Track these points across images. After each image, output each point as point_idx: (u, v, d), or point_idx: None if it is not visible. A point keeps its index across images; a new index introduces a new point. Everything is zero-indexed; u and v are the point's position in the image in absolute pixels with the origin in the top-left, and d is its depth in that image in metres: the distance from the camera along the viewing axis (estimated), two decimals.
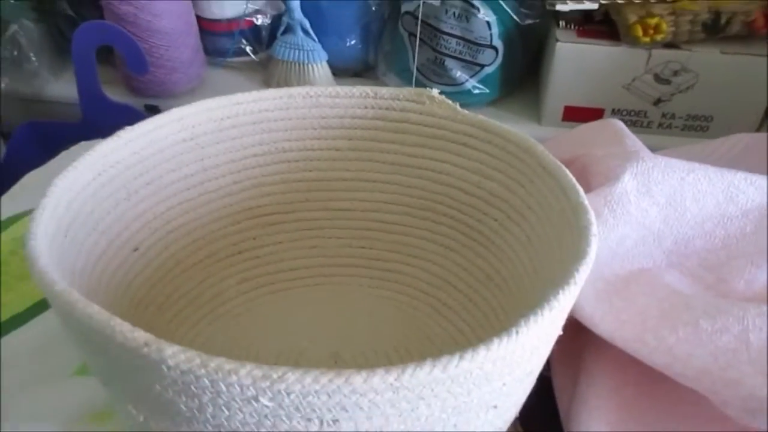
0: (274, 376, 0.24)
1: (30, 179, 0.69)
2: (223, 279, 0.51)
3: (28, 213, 0.62)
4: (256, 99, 0.49)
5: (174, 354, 0.25)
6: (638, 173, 0.40)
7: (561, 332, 0.34)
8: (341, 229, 0.54)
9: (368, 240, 0.54)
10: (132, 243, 0.44)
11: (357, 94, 0.50)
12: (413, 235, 0.53)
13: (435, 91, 0.48)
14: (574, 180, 0.38)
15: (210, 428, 0.28)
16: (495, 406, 0.30)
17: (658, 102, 0.89)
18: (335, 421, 0.26)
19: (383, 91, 0.50)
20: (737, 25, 0.83)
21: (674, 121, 0.91)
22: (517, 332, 0.27)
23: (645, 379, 0.42)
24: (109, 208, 0.42)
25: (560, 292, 0.29)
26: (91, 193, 0.40)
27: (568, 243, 0.35)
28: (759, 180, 0.40)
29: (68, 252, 0.36)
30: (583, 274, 0.31)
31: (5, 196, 0.66)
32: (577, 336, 0.47)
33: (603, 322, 0.38)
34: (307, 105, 0.50)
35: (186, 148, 0.47)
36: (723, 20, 0.83)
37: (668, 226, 0.41)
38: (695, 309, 0.37)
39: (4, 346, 0.49)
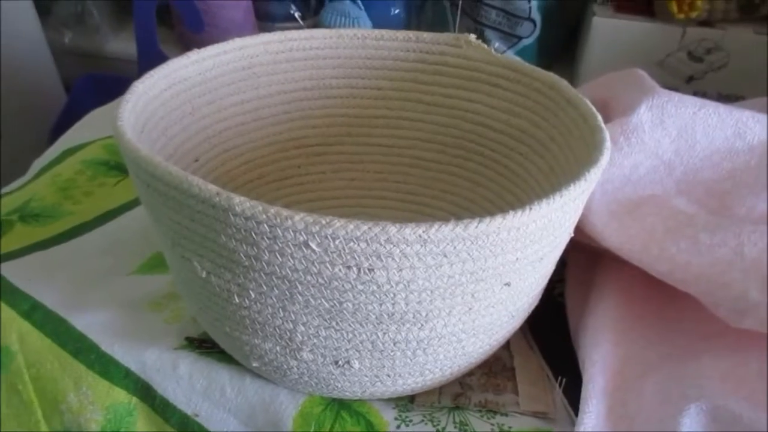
0: (323, 222, 0.29)
1: (94, 116, 0.75)
2: (270, 201, 0.55)
3: (92, 142, 0.68)
4: (308, 37, 0.54)
5: (240, 202, 0.30)
6: (653, 106, 0.44)
7: (572, 234, 0.39)
8: (379, 163, 0.59)
9: (404, 175, 0.59)
10: (193, 154, 0.49)
11: (400, 38, 0.55)
12: (446, 172, 0.57)
13: (471, 36, 0.53)
14: (593, 108, 0.42)
15: (264, 276, 0.32)
16: (508, 284, 0.35)
17: (690, 80, 0.92)
18: (371, 269, 0.31)
19: (424, 35, 0.54)
20: None
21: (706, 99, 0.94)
22: (530, 209, 0.32)
23: (650, 298, 0.46)
24: (176, 118, 0.47)
25: (572, 184, 0.34)
26: (162, 102, 0.45)
27: (584, 158, 0.39)
28: (765, 118, 0.44)
29: (143, 146, 0.41)
30: (593, 174, 0.35)
31: (73, 128, 0.72)
32: (589, 266, 0.51)
33: (612, 236, 0.42)
34: (355, 45, 0.55)
35: (244, 76, 0.52)
36: (757, 0, 0.85)
37: (679, 157, 0.45)
38: (696, 225, 0.41)
39: (73, 248, 0.55)
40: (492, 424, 0.41)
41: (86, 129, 0.73)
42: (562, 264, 0.53)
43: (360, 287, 0.32)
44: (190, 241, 0.34)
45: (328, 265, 0.31)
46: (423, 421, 0.41)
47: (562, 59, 1.02)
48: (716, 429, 0.36)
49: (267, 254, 0.31)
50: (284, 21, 1.07)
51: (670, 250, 0.40)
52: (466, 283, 0.33)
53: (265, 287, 0.33)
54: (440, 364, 0.38)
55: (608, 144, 0.38)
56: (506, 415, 0.42)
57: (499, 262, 0.33)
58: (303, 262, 0.31)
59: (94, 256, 0.54)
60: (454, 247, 0.30)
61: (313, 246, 0.30)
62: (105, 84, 1.04)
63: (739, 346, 0.40)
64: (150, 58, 0.99)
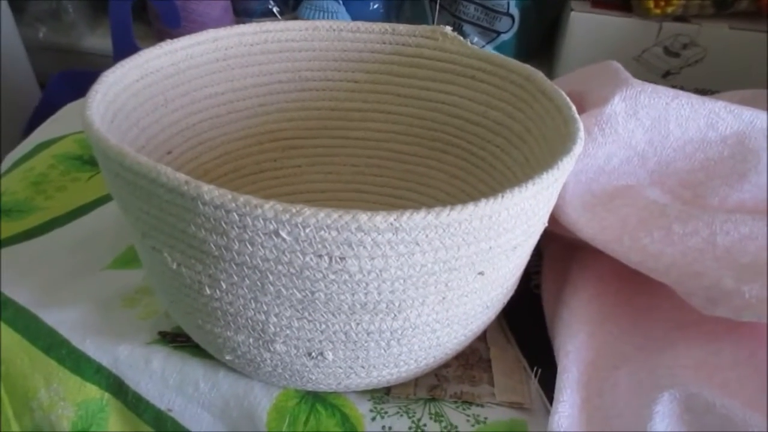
0: (293, 210, 0.29)
1: (67, 110, 0.74)
2: (245, 194, 0.56)
3: (65, 136, 0.67)
4: (283, 29, 0.54)
5: (209, 190, 0.30)
6: (627, 97, 0.44)
7: (546, 224, 0.38)
8: (356, 156, 0.58)
9: (380, 168, 0.58)
10: (166, 146, 0.49)
11: (376, 30, 0.55)
12: (423, 165, 0.57)
13: (448, 28, 0.53)
14: (568, 99, 0.42)
15: (234, 267, 0.32)
16: (482, 273, 0.35)
17: (666, 75, 0.93)
18: (342, 258, 0.30)
19: (401, 27, 0.54)
20: (746, 2, 0.86)
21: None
22: (502, 197, 0.31)
23: (625, 288, 0.46)
24: (148, 109, 0.46)
25: (544, 173, 0.34)
26: (134, 93, 0.45)
27: (558, 148, 0.39)
28: (738, 109, 0.44)
29: (113, 137, 0.40)
30: (566, 164, 0.35)
31: (47, 122, 0.71)
32: (566, 257, 0.51)
33: (587, 227, 0.42)
34: (330, 38, 0.55)
35: (218, 68, 0.51)
36: None
37: (652, 147, 0.45)
38: (669, 216, 0.41)
39: (45, 243, 0.54)
40: (467, 415, 0.41)
41: (60, 123, 0.72)
42: (540, 256, 0.53)
43: (332, 277, 0.31)
44: (160, 232, 0.34)
45: (299, 254, 0.30)
46: (398, 413, 0.41)
47: (541, 54, 1.03)
48: (689, 417, 0.36)
49: (237, 244, 0.31)
50: (262, 17, 1.06)
51: (642, 240, 0.40)
52: (439, 272, 0.33)
53: (236, 278, 0.33)
54: (415, 355, 0.38)
55: (582, 134, 0.38)
56: (482, 405, 0.42)
57: (472, 250, 0.33)
58: (274, 251, 0.31)
59: (67, 252, 0.53)
60: (426, 236, 0.30)
61: (284, 235, 0.30)
62: (80, 80, 1.02)
63: (714, 334, 0.41)
64: (126, 54, 0.97)
